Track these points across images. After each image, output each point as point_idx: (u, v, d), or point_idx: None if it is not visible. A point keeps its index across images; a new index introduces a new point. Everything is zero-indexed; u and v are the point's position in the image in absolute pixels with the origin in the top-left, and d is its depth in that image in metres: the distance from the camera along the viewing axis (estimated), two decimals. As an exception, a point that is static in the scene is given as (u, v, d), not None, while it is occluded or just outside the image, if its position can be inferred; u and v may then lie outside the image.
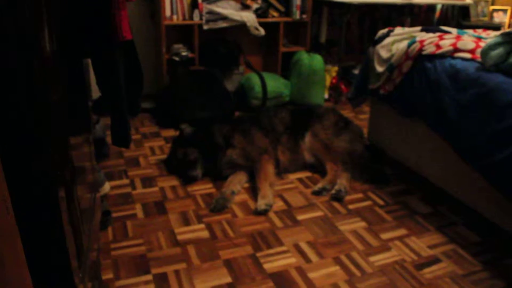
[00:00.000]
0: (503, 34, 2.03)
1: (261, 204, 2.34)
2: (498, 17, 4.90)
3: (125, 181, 2.59)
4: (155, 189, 2.52)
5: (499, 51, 2.02)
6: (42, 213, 1.07)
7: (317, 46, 4.43)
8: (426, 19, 5.02)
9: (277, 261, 1.95)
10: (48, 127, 0.99)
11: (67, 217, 1.24)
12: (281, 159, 2.74)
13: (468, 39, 2.32)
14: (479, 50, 2.15)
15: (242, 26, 3.83)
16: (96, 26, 1.32)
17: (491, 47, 2.05)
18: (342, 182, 2.53)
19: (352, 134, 2.84)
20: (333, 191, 2.49)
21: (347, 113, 3.81)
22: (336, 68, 4.25)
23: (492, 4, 5.10)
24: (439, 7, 4.96)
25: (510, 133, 1.84)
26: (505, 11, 4.92)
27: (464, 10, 4.89)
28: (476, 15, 4.90)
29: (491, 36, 2.50)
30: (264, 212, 2.31)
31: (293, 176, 2.72)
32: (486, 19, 4.93)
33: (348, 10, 4.04)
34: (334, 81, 4.24)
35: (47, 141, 1.00)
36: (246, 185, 2.59)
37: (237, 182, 2.54)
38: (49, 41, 0.97)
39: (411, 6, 4.78)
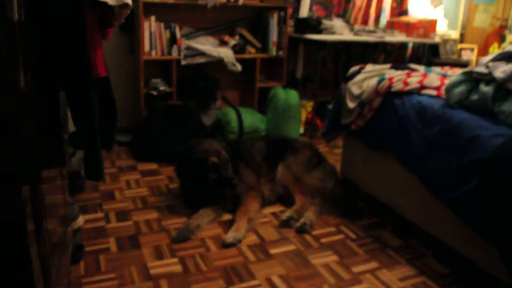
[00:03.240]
0: (464, 73, 2.13)
1: (230, 237, 2.36)
2: (466, 55, 5.10)
3: (100, 214, 2.59)
4: (130, 223, 2.52)
5: (461, 88, 2.12)
6: (9, 246, 1.08)
7: (293, 81, 4.53)
8: (398, 55, 5.20)
9: (249, 295, 1.96)
10: (18, 161, 1.01)
11: (35, 250, 1.25)
12: (265, 192, 2.79)
13: (434, 77, 2.42)
14: (444, 87, 2.25)
15: (219, 62, 3.92)
16: (71, 63, 1.36)
17: (454, 84, 2.15)
18: (309, 215, 2.57)
19: (324, 172, 2.89)
20: (298, 224, 2.53)
21: (322, 147, 3.88)
22: (311, 104, 4.35)
23: (461, 42, 5.31)
24: (410, 45, 5.14)
25: (473, 167, 1.91)
26: (472, 49, 5.13)
27: (434, 48, 5.07)
28: (445, 53, 5.09)
29: (456, 74, 2.61)
30: (230, 246, 2.32)
31: (266, 210, 2.75)
32: (455, 56, 5.12)
33: (324, 47, 4.16)
34: (309, 116, 4.32)
35: (17, 174, 1.02)
36: (225, 218, 2.61)
37: (206, 216, 2.56)
38: (24, 78, 1.01)
39: (384, 44, 4.94)
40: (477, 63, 2.18)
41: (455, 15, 5.36)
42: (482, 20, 5.35)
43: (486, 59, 2.17)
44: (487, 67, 2.07)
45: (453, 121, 2.08)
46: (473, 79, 2.11)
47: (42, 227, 1.36)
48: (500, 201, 1.72)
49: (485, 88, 2.03)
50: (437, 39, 4.81)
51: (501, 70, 2.00)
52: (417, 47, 5.16)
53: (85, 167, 1.57)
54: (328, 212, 2.71)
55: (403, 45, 5.15)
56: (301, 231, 2.49)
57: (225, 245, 2.32)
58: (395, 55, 5.19)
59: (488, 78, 2.04)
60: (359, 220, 2.68)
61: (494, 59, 2.12)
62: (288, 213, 2.59)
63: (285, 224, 2.55)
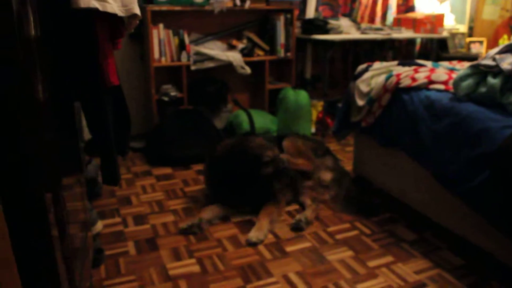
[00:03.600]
0: (471, 66, 2.15)
1: (253, 236, 2.41)
2: (475, 48, 5.09)
3: (117, 219, 2.65)
4: (147, 226, 2.57)
5: (468, 82, 2.14)
6: (36, 252, 1.13)
7: (302, 82, 4.57)
8: (407, 52, 5.21)
9: (267, 292, 2.00)
10: (40, 168, 1.06)
11: (60, 255, 1.30)
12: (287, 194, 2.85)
13: (441, 71, 2.44)
14: (451, 81, 2.27)
15: (228, 66, 3.97)
16: (85, 74, 1.42)
17: (462, 78, 2.17)
18: (306, 213, 2.61)
19: (327, 161, 2.97)
20: (293, 221, 2.57)
21: (334, 146, 3.91)
22: (321, 103, 4.38)
23: (470, 36, 5.30)
24: (418, 40, 5.15)
25: (484, 159, 1.93)
26: (481, 42, 5.12)
27: (442, 43, 5.07)
28: (454, 47, 5.09)
29: (463, 68, 2.62)
30: (253, 245, 2.37)
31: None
32: (463, 50, 5.12)
33: (331, 46, 4.19)
34: (320, 115, 4.35)
35: (39, 182, 1.07)
36: (238, 218, 2.66)
37: (216, 212, 2.64)
38: (42, 89, 1.06)
39: (392, 41, 4.96)
40: (484, 56, 2.20)
41: (463, 9, 5.36)
42: (491, 12, 5.34)
43: (493, 51, 2.19)
44: (494, 59, 2.09)
45: (462, 114, 2.10)
46: (480, 72, 2.13)
47: (65, 233, 1.41)
48: (510, 192, 1.74)
49: (493, 80, 2.05)
50: (444, 34, 4.81)
51: (508, 62, 2.02)
52: (425, 42, 5.17)
53: (102, 173, 1.62)
54: (343, 211, 2.74)
55: (411, 41, 5.16)
56: (296, 228, 2.53)
57: (249, 244, 2.37)
58: (404, 52, 5.20)
59: (495, 70, 2.06)
60: (376, 216, 2.70)
61: (501, 52, 2.14)
62: (297, 217, 2.62)
63: (296, 228, 2.57)
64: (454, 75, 2.33)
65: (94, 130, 1.53)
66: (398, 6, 5.12)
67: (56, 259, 1.21)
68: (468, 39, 5.18)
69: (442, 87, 2.33)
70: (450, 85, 2.28)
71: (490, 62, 2.08)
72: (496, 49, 2.17)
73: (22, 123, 0.87)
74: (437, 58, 4.76)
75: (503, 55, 2.07)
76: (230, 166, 2.67)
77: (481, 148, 1.96)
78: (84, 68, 1.40)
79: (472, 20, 5.37)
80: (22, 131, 0.90)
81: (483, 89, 2.08)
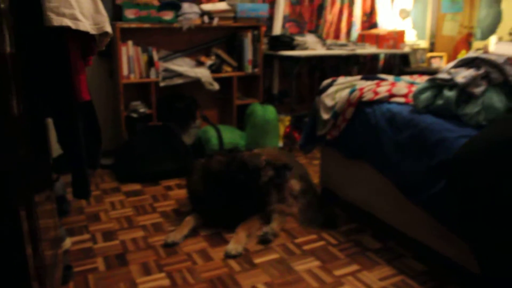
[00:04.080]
0: (429, 80, 2.26)
1: (232, 248, 2.45)
2: (435, 63, 5.29)
3: (86, 236, 2.64)
4: (116, 242, 2.57)
5: (427, 94, 2.25)
6: (9, 267, 1.14)
7: (270, 97, 4.65)
8: (371, 67, 5.36)
9: (236, 303, 2.03)
10: (14, 183, 1.09)
11: (34, 271, 1.31)
12: None
13: (401, 85, 2.55)
14: (411, 94, 2.38)
15: (197, 82, 4.02)
16: (57, 89, 1.45)
17: (420, 91, 2.28)
18: (272, 225, 2.66)
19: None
20: (260, 233, 2.61)
21: (302, 159, 3.99)
22: (289, 118, 4.46)
23: (431, 51, 5.51)
24: (382, 56, 5.32)
25: (441, 168, 2.03)
26: (441, 57, 5.33)
27: (404, 58, 5.25)
28: (416, 62, 5.27)
29: (422, 81, 2.75)
30: (233, 257, 2.41)
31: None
32: (425, 65, 5.30)
33: (298, 62, 4.29)
34: (287, 130, 4.44)
35: (14, 195, 1.09)
36: (204, 233, 2.68)
37: (192, 227, 2.68)
38: (16, 105, 1.09)
39: (357, 56, 5.10)
40: (441, 70, 2.32)
41: (423, 26, 5.56)
42: (451, 28, 5.56)
43: (448, 66, 2.31)
44: (449, 73, 2.21)
45: (421, 126, 2.20)
46: (437, 85, 2.24)
47: (38, 250, 1.42)
48: (467, 199, 1.83)
49: (449, 93, 2.17)
50: (406, 49, 5.00)
51: (462, 76, 2.14)
52: (389, 57, 5.34)
53: (73, 187, 1.64)
54: (304, 224, 2.80)
55: (375, 57, 5.32)
56: (262, 241, 2.57)
57: (228, 256, 2.41)
58: (368, 67, 5.36)
59: (451, 84, 2.17)
60: (334, 229, 2.75)
61: (456, 66, 2.26)
62: (264, 229, 2.66)
63: (263, 240, 2.61)
64: (413, 89, 2.44)
65: (65, 144, 1.56)
66: (362, 22, 5.28)
67: (30, 276, 1.22)
68: (429, 54, 5.38)
69: (402, 100, 2.44)
70: (410, 98, 2.39)
71: (446, 76, 2.19)
72: (451, 64, 2.29)
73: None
74: (399, 73, 4.92)
75: (457, 69, 2.19)
76: (230, 180, 2.70)
77: (438, 158, 2.06)
78: (56, 83, 1.43)
79: (433, 36, 5.58)
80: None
81: (440, 102, 2.19)
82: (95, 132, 1.77)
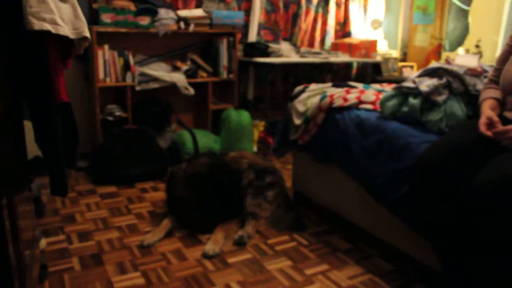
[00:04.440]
0: (395, 88, 2.38)
1: (210, 249, 2.51)
2: (406, 72, 5.46)
3: (62, 237, 2.67)
4: (92, 242, 2.61)
5: (393, 102, 2.36)
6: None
7: (245, 103, 4.73)
8: (344, 75, 5.50)
9: (210, 301, 2.10)
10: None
11: (16, 272, 1.36)
12: None
13: (370, 93, 2.66)
14: (378, 101, 2.49)
15: (173, 86, 4.08)
16: (37, 90, 1.50)
17: (387, 99, 2.39)
18: (247, 228, 2.73)
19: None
20: (236, 236, 2.68)
21: (276, 163, 4.07)
22: (263, 123, 4.55)
23: (404, 60, 5.68)
24: (355, 64, 5.46)
25: (406, 172, 2.13)
26: (412, 66, 5.51)
27: (376, 67, 5.41)
28: (387, 71, 5.43)
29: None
30: (210, 257, 2.48)
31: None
32: (396, 74, 5.47)
33: (272, 69, 4.39)
34: (262, 135, 4.52)
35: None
36: (179, 234, 2.74)
37: (168, 228, 2.73)
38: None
39: (330, 64, 5.23)
40: (406, 79, 2.44)
41: (395, 36, 5.74)
42: (422, 39, 5.75)
43: (414, 75, 2.43)
44: (414, 82, 2.32)
45: (387, 131, 2.31)
46: (403, 93, 2.35)
47: (20, 250, 1.47)
48: (428, 201, 1.93)
49: (413, 101, 2.28)
50: (378, 58, 5.15)
51: (425, 85, 2.25)
52: (361, 66, 5.49)
53: (51, 185, 1.69)
54: (272, 226, 2.87)
55: (348, 65, 5.46)
56: (239, 243, 2.64)
57: (206, 257, 2.48)
58: (342, 75, 5.50)
59: (415, 92, 2.29)
60: (302, 231, 2.85)
61: (420, 75, 2.38)
62: (240, 232, 2.73)
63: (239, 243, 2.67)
64: (381, 96, 2.55)
65: (44, 143, 1.60)
66: (336, 31, 5.42)
67: (12, 275, 1.26)
68: (400, 64, 5.55)
69: (370, 106, 2.55)
70: (378, 105, 2.50)
71: (410, 85, 2.30)
72: (416, 73, 2.41)
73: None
74: (372, 81, 5.07)
75: (421, 78, 2.31)
76: (213, 183, 2.76)
77: (404, 162, 2.16)
78: (36, 84, 1.48)
79: (405, 46, 5.76)
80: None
81: (405, 109, 2.30)
82: (73, 132, 1.82)
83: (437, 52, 5.65)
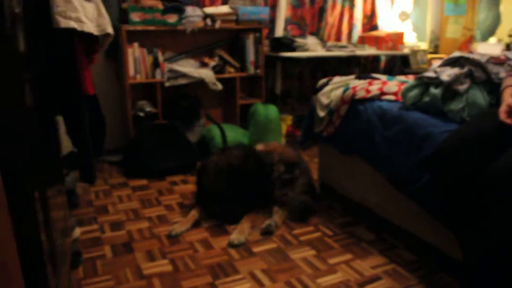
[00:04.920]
0: (417, 78, 2.39)
1: (235, 238, 2.58)
2: (436, 64, 5.39)
3: (95, 226, 2.79)
4: (123, 232, 2.72)
5: (414, 92, 2.37)
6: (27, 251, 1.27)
7: (273, 97, 4.79)
8: (372, 68, 5.48)
9: (234, 287, 2.16)
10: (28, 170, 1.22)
11: (48, 259, 1.45)
12: None
13: (392, 84, 2.68)
14: (400, 92, 2.50)
15: (201, 82, 4.17)
16: (65, 83, 1.60)
17: (408, 89, 2.41)
18: (275, 218, 2.79)
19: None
20: (263, 226, 2.73)
21: (303, 156, 4.11)
22: (291, 117, 4.60)
23: (435, 53, 5.62)
24: (383, 58, 5.43)
25: (427, 161, 2.15)
26: (442, 58, 5.43)
27: (405, 59, 5.36)
28: (416, 63, 5.38)
29: (413, 81, 2.87)
30: (235, 246, 2.54)
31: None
32: (425, 66, 5.41)
33: (298, 63, 4.43)
34: (289, 129, 4.57)
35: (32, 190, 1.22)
36: (207, 224, 2.82)
37: (196, 219, 2.81)
38: (30, 97, 1.23)
39: (358, 58, 5.22)
40: (428, 69, 2.45)
41: (423, 28, 5.67)
42: (454, 31, 5.67)
43: (435, 65, 2.43)
44: (435, 72, 2.33)
45: (408, 122, 2.33)
46: (424, 83, 2.37)
47: (51, 237, 1.56)
48: (448, 189, 1.94)
49: (435, 91, 2.29)
50: (406, 51, 5.11)
51: (446, 74, 2.26)
52: (390, 59, 5.45)
53: (80, 171, 1.79)
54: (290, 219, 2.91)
55: (376, 58, 5.44)
56: (267, 232, 2.70)
57: (231, 246, 2.55)
58: (369, 68, 5.48)
59: (436, 82, 2.30)
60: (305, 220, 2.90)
61: (442, 65, 2.39)
62: (267, 222, 2.78)
63: (267, 231, 2.73)
64: (403, 87, 2.56)
65: (74, 134, 1.70)
66: (363, 25, 5.40)
67: (45, 261, 1.35)
68: (430, 56, 5.49)
69: (392, 97, 2.56)
70: (400, 96, 2.51)
71: (432, 74, 2.31)
72: (438, 63, 2.42)
73: (12, 124, 1.03)
74: (400, 74, 5.03)
75: (443, 68, 2.32)
76: (247, 175, 2.83)
77: (425, 152, 2.17)
78: (64, 77, 1.58)
79: (437, 38, 5.69)
80: (13, 133, 1.07)
81: (426, 99, 2.32)
82: (100, 123, 1.92)
83: (469, 43, 5.56)
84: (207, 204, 2.92)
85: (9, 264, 0.97)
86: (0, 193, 0.94)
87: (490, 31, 5.30)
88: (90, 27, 1.55)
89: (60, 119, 1.82)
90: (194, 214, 2.84)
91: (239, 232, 2.64)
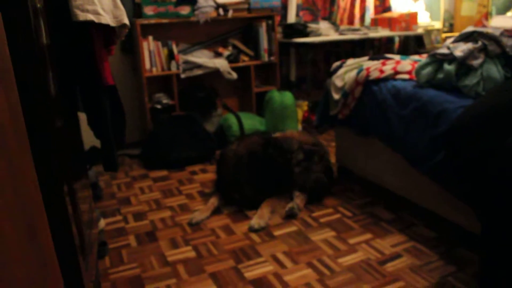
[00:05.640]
0: (430, 55, 2.39)
1: (255, 223, 2.63)
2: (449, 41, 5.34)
3: (119, 217, 2.86)
4: (146, 222, 2.79)
5: (428, 70, 2.37)
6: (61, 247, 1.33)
7: (288, 84, 4.81)
8: (386, 50, 5.45)
9: (256, 270, 2.20)
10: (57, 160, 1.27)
11: (79, 249, 1.51)
12: None
13: (405, 63, 2.68)
14: (414, 71, 2.51)
15: (216, 72, 4.21)
16: (85, 74, 1.66)
17: (422, 67, 2.41)
18: (296, 201, 2.82)
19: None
20: (286, 209, 2.77)
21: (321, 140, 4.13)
22: (306, 103, 4.61)
23: (451, 32, 5.56)
24: (396, 39, 5.40)
25: (442, 137, 2.15)
26: (456, 37, 5.38)
27: (419, 39, 5.33)
28: (430, 43, 5.34)
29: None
30: (255, 231, 2.59)
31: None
32: (439, 45, 5.37)
33: (312, 49, 4.43)
34: (305, 114, 4.59)
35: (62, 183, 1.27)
36: (227, 211, 2.87)
37: (214, 208, 2.86)
38: (53, 88, 1.28)
39: (371, 40, 5.20)
40: (441, 46, 2.44)
41: (437, 7, 5.62)
42: (469, 8, 5.60)
43: (448, 41, 2.43)
44: (448, 48, 2.33)
45: (423, 99, 2.33)
46: (437, 60, 2.37)
47: (82, 229, 1.63)
48: (465, 166, 1.95)
49: (449, 67, 2.29)
50: (419, 31, 5.07)
51: (460, 50, 2.26)
52: (404, 40, 5.42)
53: (103, 161, 1.85)
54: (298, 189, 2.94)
55: (390, 39, 5.41)
56: (290, 215, 2.74)
57: (251, 230, 2.60)
58: (383, 50, 5.45)
59: (450, 58, 2.30)
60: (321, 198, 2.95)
61: (455, 41, 2.38)
62: (290, 205, 2.81)
63: (290, 214, 2.76)
64: (417, 65, 2.56)
65: (95, 124, 1.76)
66: (376, 7, 5.37)
67: (76, 251, 1.41)
68: (444, 35, 5.44)
69: (406, 76, 2.57)
70: (413, 74, 2.51)
71: (445, 51, 2.31)
72: (451, 39, 2.41)
73: (38, 112, 1.08)
74: (415, 53, 5.01)
75: (455, 44, 2.31)
76: (268, 161, 2.88)
77: (440, 128, 2.18)
78: (84, 69, 1.64)
79: (451, 17, 5.63)
80: (40, 122, 1.11)
81: (440, 75, 2.32)
82: (120, 113, 1.97)
83: (485, 20, 5.49)
84: (227, 191, 2.96)
85: (48, 258, 1.02)
86: (35, 189, 0.98)
87: (507, 6, 5.22)
88: (107, 19, 1.59)
89: (82, 115, 1.88)
90: (213, 201, 2.89)
91: (259, 217, 2.68)
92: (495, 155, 1.73)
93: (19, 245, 0.81)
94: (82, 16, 1.49)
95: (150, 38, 4.01)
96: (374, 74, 2.70)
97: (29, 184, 0.94)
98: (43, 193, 1.03)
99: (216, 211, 2.86)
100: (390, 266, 2.18)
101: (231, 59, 4.31)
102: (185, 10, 4.03)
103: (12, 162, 0.81)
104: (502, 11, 5.26)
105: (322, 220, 2.70)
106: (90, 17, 1.51)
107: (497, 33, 2.25)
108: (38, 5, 1.19)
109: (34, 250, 0.91)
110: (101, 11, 1.55)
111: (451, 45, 2.32)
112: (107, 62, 1.76)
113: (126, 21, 1.72)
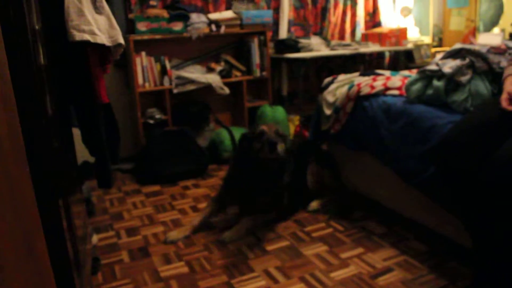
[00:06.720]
0: (419, 72, 2.44)
1: (226, 236, 2.68)
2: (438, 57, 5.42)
3: (111, 233, 2.86)
4: (139, 237, 2.79)
5: (418, 85, 2.42)
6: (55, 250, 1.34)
7: (280, 98, 4.84)
8: (377, 65, 5.52)
9: (249, 285, 2.21)
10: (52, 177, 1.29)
11: (74, 265, 1.52)
12: None
13: (396, 79, 2.72)
14: (404, 86, 2.55)
15: (208, 87, 4.24)
16: (81, 92, 1.68)
17: (412, 83, 2.45)
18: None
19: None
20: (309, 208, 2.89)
21: (312, 156, 4.17)
22: (298, 117, 4.65)
23: (439, 46, 5.64)
24: (387, 54, 5.47)
25: (431, 152, 2.19)
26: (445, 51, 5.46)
27: (409, 54, 5.40)
28: (420, 57, 5.41)
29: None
30: (225, 243, 2.63)
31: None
32: (429, 60, 5.44)
33: (303, 64, 4.48)
34: (297, 129, 4.62)
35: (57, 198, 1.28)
36: (220, 225, 2.88)
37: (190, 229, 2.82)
38: (50, 107, 1.30)
39: (362, 55, 5.27)
40: (430, 63, 2.49)
41: (426, 22, 5.71)
42: (458, 23, 5.69)
43: (437, 58, 2.48)
44: (437, 64, 2.37)
45: (413, 115, 2.37)
46: (427, 76, 2.41)
47: (75, 245, 1.63)
48: (454, 180, 1.98)
49: (438, 83, 2.33)
50: (409, 46, 5.15)
51: (449, 66, 2.30)
52: (394, 54, 5.49)
53: (97, 178, 1.86)
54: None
55: (381, 54, 5.48)
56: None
57: (220, 242, 2.64)
58: (374, 64, 5.51)
59: (439, 74, 2.34)
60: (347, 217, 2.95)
61: (443, 57, 2.43)
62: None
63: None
64: (407, 81, 2.61)
65: (90, 141, 1.78)
66: (366, 22, 5.45)
67: (71, 267, 1.42)
68: (433, 49, 5.52)
69: (396, 92, 2.61)
70: (404, 90, 2.56)
71: (434, 67, 2.36)
72: (439, 56, 2.46)
73: (36, 133, 1.10)
74: (405, 69, 5.07)
75: (444, 60, 2.36)
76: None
77: (430, 143, 2.22)
78: (80, 88, 1.66)
79: (440, 31, 5.72)
80: (38, 143, 1.13)
81: (430, 91, 2.36)
82: (114, 130, 1.99)
83: (472, 37, 5.58)
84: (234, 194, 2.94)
85: (44, 271, 1.03)
86: (31, 202, 1.00)
87: (493, 22, 5.31)
88: (103, 39, 1.62)
89: (75, 130, 1.89)
90: (191, 220, 2.87)
91: (235, 232, 2.71)
92: (483, 168, 1.77)
93: (16, 261, 0.82)
94: (79, 36, 1.52)
95: (143, 53, 4.04)
96: (365, 90, 2.74)
97: (27, 201, 0.95)
98: (39, 209, 1.05)
99: (207, 226, 2.86)
100: (381, 280, 2.20)
101: (223, 74, 4.35)
102: (178, 26, 4.07)
103: (12, 185, 0.83)
104: (489, 26, 5.35)
105: (314, 234, 2.71)
106: (86, 37, 1.54)
107: (483, 50, 2.30)
108: (37, 27, 1.22)
109: (30, 266, 0.92)
110: (97, 31, 1.58)
111: (440, 62, 2.37)
112: (102, 81, 1.78)
113: (121, 40, 1.75)
